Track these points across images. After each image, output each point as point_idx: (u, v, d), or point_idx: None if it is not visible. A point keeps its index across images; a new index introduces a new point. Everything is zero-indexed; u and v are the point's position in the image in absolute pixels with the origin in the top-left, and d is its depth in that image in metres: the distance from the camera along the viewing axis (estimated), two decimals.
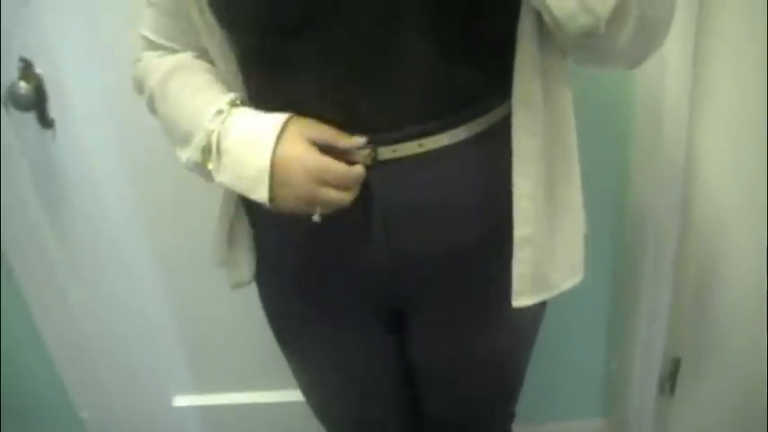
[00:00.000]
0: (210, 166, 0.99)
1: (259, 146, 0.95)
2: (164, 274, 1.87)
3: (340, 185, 0.95)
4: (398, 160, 0.98)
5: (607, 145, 1.57)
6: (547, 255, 1.06)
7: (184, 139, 1.03)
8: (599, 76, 1.46)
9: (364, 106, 0.96)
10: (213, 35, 1.03)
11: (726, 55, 1.37)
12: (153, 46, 1.13)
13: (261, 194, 0.96)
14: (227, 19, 0.99)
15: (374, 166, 0.97)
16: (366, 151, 0.97)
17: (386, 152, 0.97)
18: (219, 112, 0.99)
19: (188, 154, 1.02)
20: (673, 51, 1.37)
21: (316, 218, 0.96)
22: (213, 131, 0.98)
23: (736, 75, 1.36)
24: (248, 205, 1.15)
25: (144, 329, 1.93)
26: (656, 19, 0.91)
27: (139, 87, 1.15)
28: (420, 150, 0.98)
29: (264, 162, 0.94)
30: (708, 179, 1.49)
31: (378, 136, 0.97)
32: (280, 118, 0.96)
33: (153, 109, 1.11)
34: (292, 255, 1.13)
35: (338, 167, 0.95)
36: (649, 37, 0.94)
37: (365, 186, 0.98)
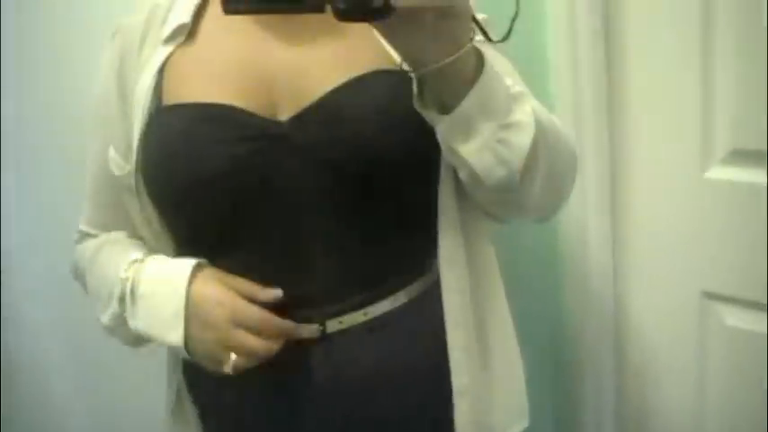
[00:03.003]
0: (126, 314, 1.00)
1: (173, 286, 0.96)
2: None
3: (260, 330, 0.95)
4: (344, 332, 1.00)
5: (537, 290, 1.62)
6: (486, 403, 1.08)
7: (106, 300, 1.04)
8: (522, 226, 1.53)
9: (304, 285, 0.99)
10: (150, 225, 1.06)
11: (640, 203, 1.48)
12: (90, 238, 1.16)
13: (175, 337, 0.96)
14: (163, 206, 1.03)
15: (321, 340, 1.00)
16: (314, 326, 0.99)
17: (332, 325, 1.00)
18: (135, 261, 1.01)
19: (109, 310, 1.03)
20: (592, 196, 1.47)
21: (227, 368, 0.94)
22: (128, 279, 1.00)
23: (650, 219, 1.47)
24: (193, 391, 1.14)
25: None
26: (562, 173, 1.00)
27: (76, 273, 1.17)
28: (365, 319, 1.01)
29: (179, 301, 0.95)
30: (638, 310, 1.56)
31: (323, 309, 1.00)
32: (193, 260, 0.98)
33: (85, 285, 1.13)
34: (238, 427, 1.11)
35: (257, 310, 0.95)
36: (557, 189, 1.02)
37: (315, 361, 1.00)
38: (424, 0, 0.76)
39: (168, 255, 1.07)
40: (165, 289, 0.98)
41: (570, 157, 1.02)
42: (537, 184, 0.93)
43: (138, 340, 1.04)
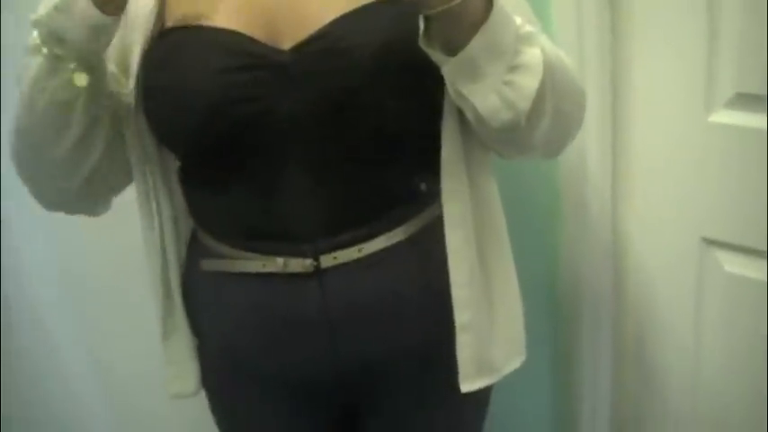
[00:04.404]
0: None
1: None
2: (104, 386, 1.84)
3: None
4: (339, 267, 1.01)
5: (536, 227, 1.62)
6: (488, 339, 1.09)
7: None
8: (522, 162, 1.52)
9: (300, 218, 1.00)
10: (143, 147, 1.06)
11: (641, 145, 1.47)
12: None
13: None
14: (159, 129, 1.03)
15: (316, 275, 1.00)
16: (307, 261, 0.99)
17: (327, 260, 1.00)
18: None
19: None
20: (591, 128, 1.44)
21: None
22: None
23: (651, 162, 1.46)
24: (191, 317, 1.16)
25: None
26: (569, 112, 0.99)
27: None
28: (359, 255, 1.01)
29: None
30: (637, 252, 1.56)
31: (317, 245, 1.00)
32: None
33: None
34: (239, 359, 1.13)
35: None
36: (564, 128, 1.02)
37: (309, 295, 1.01)
38: None
39: (157, 177, 1.08)
40: None
41: (578, 97, 1.01)
42: (544, 125, 0.93)
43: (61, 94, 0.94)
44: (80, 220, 1.17)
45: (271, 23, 0.96)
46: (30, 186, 1.09)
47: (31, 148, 1.03)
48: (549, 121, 0.93)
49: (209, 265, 1.08)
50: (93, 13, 0.87)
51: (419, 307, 1.07)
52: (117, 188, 1.13)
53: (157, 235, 1.11)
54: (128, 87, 1.00)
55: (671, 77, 1.36)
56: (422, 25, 0.86)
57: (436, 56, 0.87)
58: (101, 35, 0.91)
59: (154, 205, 1.10)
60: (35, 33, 0.91)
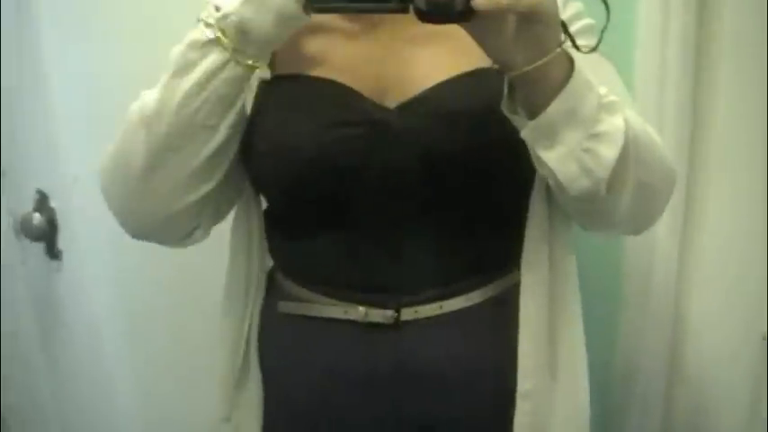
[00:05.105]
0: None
1: None
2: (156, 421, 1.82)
3: None
4: (417, 321, 1.02)
5: (596, 308, 1.58)
6: (548, 411, 1.08)
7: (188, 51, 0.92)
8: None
9: (386, 271, 1.02)
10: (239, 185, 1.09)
11: (710, 234, 1.47)
12: None
13: None
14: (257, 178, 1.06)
15: (394, 327, 1.02)
16: (389, 312, 1.01)
17: (408, 313, 1.02)
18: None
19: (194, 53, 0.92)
20: None
21: None
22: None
23: (719, 254, 1.46)
24: (263, 356, 1.15)
25: None
26: (654, 186, 0.98)
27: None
28: (439, 312, 1.03)
29: None
30: (696, 344, 1.54)
31: (400, 298, 1.02)
32: None
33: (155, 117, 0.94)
34: (306, 404, 1.11)
35: None
36: (648, 202, 1.01)
37: (384, 346, 1.02)
38: (505, 4, 0.78)
39: (253, 222, 1.11)
40: None
41: (665, 173, 1.00)
42: (625, 198, 0.93)
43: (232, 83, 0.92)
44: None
45: (377, 81, 0.99)
46: (129, 209, 1.01)
47: (162, 157, 0.95)
48: (631, 193, 0.93)
49: (285, 307, 1.10)
50: (290, 5, 0.87)
51: (487, 370, 1.07)
52: (221, 213, 1.10)
53: (254, 273, 1.13)
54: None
55: (745, 176, 1.38)
56: (506, 90, 0.89)
57: (517, 120, 0.89)
58: (289, 28, 0.91)
59: (255, 243, 1.11)
60: (210, 28, 0.90)
